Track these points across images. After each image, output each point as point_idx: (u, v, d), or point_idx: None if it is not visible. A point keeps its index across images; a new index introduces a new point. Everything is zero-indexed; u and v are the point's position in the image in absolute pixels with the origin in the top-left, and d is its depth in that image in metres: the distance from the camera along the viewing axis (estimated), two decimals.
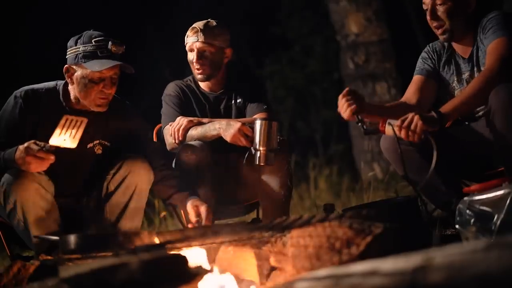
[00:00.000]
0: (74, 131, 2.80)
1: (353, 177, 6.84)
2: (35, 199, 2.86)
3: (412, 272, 1.31)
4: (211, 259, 2.34)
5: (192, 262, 1.91)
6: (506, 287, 1.19)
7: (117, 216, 3.04)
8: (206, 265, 2.24)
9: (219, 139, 3.26)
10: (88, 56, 3.00)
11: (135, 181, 3.04)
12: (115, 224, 3.04)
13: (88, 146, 3.11)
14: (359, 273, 1.42)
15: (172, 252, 2.12)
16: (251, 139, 3.15)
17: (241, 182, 3.40)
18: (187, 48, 3.47)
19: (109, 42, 3.01)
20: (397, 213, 2.72)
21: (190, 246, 2.25)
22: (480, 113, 3.01)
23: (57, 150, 2.76)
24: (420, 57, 3.19)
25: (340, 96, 2.84)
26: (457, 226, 2.38)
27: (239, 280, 2.27)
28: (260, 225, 2.32)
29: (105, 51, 3.00)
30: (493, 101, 2.75)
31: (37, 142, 2.76)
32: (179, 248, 2.22)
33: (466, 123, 3.08)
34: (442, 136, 2.75)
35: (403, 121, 2.70)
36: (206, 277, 1.92)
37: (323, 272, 1.55)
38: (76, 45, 3.03)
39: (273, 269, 2.24)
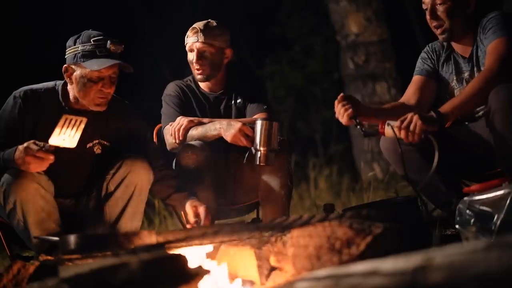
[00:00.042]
0: (73, 130, 2.80)
1: (353, 177, 6.84)
2: (35, 199, 2.86)
3: (412, 272, 1.31)
4: (211, 259, 2.34)
5: (192, 262, 1.91)
6: (506, 287, 1.19)
7: (117, 216, 3.04)
8: (206, 265, 2.24)
9: (219, 139, 3.26)
10: (87, 56, 3.00)
11: (135, 181, 3.04)
12: (115, 224, 3.04)
13: (88, 145, 3.11)
14: (359, 273, 1.42)
15: (172, 252, 2.12)
16: (251, 139, 3.15)
17: (241, 182, 3.40)
18: (187, 48, 3.46)
19: (108, 42, 3.01)
20: (397, 213, 2.72)
21: (190, 246, 2.25)
22: (480, 113, 3.01)
23: (57, 150, 2.76)
24: (419, 57, 3.19)
25: (336, 102, 2.85)
26: (457, 226, 2.38)
27: (239, 280, 2.27)
28: (260, 225, 2.32)
29: (104, 50, 3.00)
30: (493, 101, 2.75)
31: (37, 142, 2.76)
32: (179, 248, 2.22)
33: (466, 123, 3.07)
34: (442, 136, 2.74)
35: (402, 122, 2.70)
36: (206, 277, 1.92)
37: (323, 272, 1.55)
38: (75, 44, 3.03)
39: (273, 269, 2.24)
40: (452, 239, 2.73)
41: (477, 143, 2.98)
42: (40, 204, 2.88)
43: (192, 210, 3.12)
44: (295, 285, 1.60)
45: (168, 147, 3.40)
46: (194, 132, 3.30)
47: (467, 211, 2.33)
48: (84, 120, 2.83)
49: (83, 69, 3.00)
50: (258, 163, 3.12)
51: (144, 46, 9.80)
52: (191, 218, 3.11)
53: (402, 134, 2.70)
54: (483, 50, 2.94)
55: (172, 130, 3.32)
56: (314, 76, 10.30)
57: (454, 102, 2.80)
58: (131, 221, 3.06)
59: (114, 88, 3.06)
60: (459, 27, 2.99)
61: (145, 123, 3.35)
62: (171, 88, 3.52)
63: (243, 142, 3.18)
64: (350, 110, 2.81)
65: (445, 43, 3.11)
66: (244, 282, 2.27)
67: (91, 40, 3.00)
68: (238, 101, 3.49)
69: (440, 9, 2.97)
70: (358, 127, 2.81)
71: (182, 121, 3.32)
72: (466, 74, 3.05)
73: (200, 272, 1.84)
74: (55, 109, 3.03)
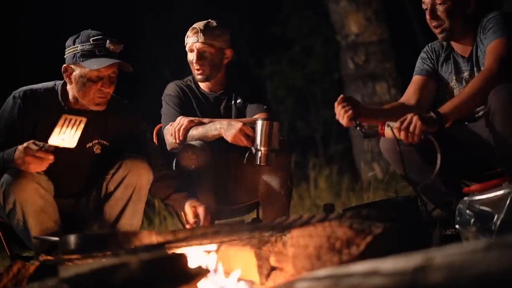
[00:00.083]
0: (73, 130, 2.80)
1: (353, 177, 6.84)
2: (35, 199, 2.86)
3: (412, 272, 1.31)
4: (211, 259, 2.34)
5: (192, 262, 1.91)
6: (506, 287, 1.19)
7: (117, 216, 3.04)
8: (206, 265, 2.24)
9: (219, 139, 3.26)
10: (86, 55, 3.00)
11: (135, 181, 3.04)
12: (114, 224, 3.03)
13: (87, 145, 3.11)
14: (359, 273, 1.42)
15: (172, 252, 2.12)
16: (252, 139, 3.15)
17: (241, 182, 3.40)
18: (187, 48, 3.46)
19: (107, 41, 3.01)
20: (397, 213, 2.72)
21: (190, 246, 2.25)
22: (480, 113, 3.01)
23: (56, 150, 2.76)
24: (419, 57, 3.19)
25: (336, 104, 2.85)
26: (457, 226, 2.38)
27: (239, 280, 2.27)
28: (260, 225, 2.32)
29: (103, 50, 3.00)
30: (492, 101, 2.75)
31: (36, 142, 2.76)
32: (179, 248, 2.21)
33: (466, 123, 3.07)
34: (442, 136, 2.74)
35: (402, 123, 2.70)
36: (206, 277, 1.92)
37: (323, 272, 1.55)
38: (74, 44, 3.03)
39: (273, 269, 2.24)
40: (452, 239, 2.73)
41: (477, 143, 2.98)
42: (40, 204, 2.88)
43: (191, 210, 3.12)
44: (295, 285, 1.59)
45: (168, 147, 3.39)
46: (195, 132, 3.29)
47: (467, 211, 2.33)
48: (84, 120, 2.83)
49: (82, 68, 3.00)
50: (258, 163, 3.12)
51: (144, 46, 9.81)
52: (191, 219, 3.11)
53: (402, 135, 2.70)
54: (482, 50, 2.94)
55: (173, 130, 3.32)
56: (314, 76, 10.30)
57: (454, 102, 2.80)
58: (130, 221, 3.06)
59: (113, 88, 3.06)
60: (459, 27, 2.99)
61: (144, 123, 3.35)
62: (171, 88, 3.51)
63: (244, 142, 3.18)
64: (350, 112, 2.81)
65: (444, 43, 3.11)
66: (244, 282, 2.27)
67: (90, 40, 3.01)
68: (238, 101, 3.48)
69: (440, 9, 2.97)
70: (358, 128, 2.82)
71: (182, 121, 3.32)
72: (465, 74, 3.05)
73: (200, 272, 1.84)
74: (55, 109, 3.03)
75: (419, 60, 3.18)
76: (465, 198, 2.37)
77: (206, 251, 2.32)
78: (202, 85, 3.52)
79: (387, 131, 2.75)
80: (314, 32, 10.23)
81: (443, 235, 3.04)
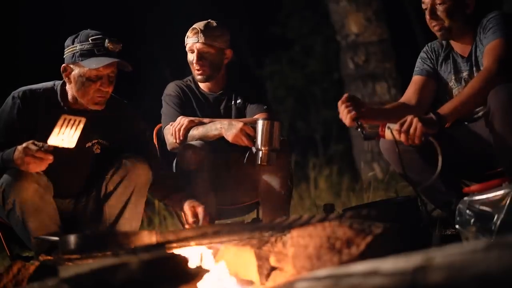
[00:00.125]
0: (72, 130, 2.80)
1: (353, 177, 6.84)
2: (34, 199, 2.86)
3: (412, 272, 1.31)
4: (211, 259, 2.34)
5: (192, 262, 1.91)
6: (506, 287, 1.19)
7: (116, 216, 3.04)
8: (206, 265, 2.24)
9: (220, 139, 3.26)
10: (85, 54, 2.99)
11: (134, 180, 3.04)
12: (114, 224, 3.03)
13: (87, 145, 3.11)
14: (359, 273, 1.42)
15: (172, 252, 2.12)
16: (252, 139, 3.15)
17: (241, 182, 3.40)
18: (187, 48, 3.46)
19: (106, 40, 3.01)
20: (397, 213, 2.72)
21: (190, 246, 2.24)
22: (480, 114, 3.01)
23: (56, 150, 2.76)
24: (419, 57, 3.19)
25: (340, 103, 2.85)
26: (457, 226, 2.38)
27: (239, 280, 2.27)
28: (260, 225, 2.32)
29: (102, 49, 3.00)
30: (492, 101, 2.75)
31: (36, 142, 2.76)
32: (179, 248, 2.21)
33: (466, 123, 3.07)
34: (442, 136, 2.74)
35: (402, 125, 2.70)
36: (206, 277, 1.92)
37: (323, 272, 1.55)
38: (73, 44, 3.03)
39: (273, 269, 2.23)
40: (452, 239, 2.73)
41: (477, 143, 2.98)
42: (39, 204, 2.87)
43: (191, 210, 3.11)
44: (295, 285, 1.59)
45: (169, 147, 3.39)
46: (195, 132, 3.29)
47: (467, 211, 2.32)
48: (83, 120, 2.83)
49: (81, 68, 3.00)
50: (259, 162, 3.12)
51: (144, 46, 9.81)
52: (190, 219, 3.11)
53: (403, 137, 2.70)
54: (482, 50, 2.94)
55: (173, 130, 3.32)
56: (314, 76, 10.31)
57: (453, 103, 2.80)
58: (130, 221, 3.06)
59: (112, 87, 3.06)
60: (459, 26, 2.99)
61: (144, 123, 3.34)
62: (171, 88, 3.51)
63: (245, 142, 3.18)
64: (353, 112, 2.81)
65: (444, 42, 3.11)
66: (244, 282, 2.27)
67: (89, 39, 3.00)
68: (238, 101, 3.48)
69: (439, 9, 2.97)
70: (359, 130, 2.82)
71: (182, 121, 3.32)
72: (464, 74, 3.05)
73: (200, 272, 1.84)
74: (54, 109, 3.03)
75: (419, 60, 3.18)
76: (465, 198, 2.37)
77: (206, 251, 2.32)
78: (202, 85, 3.52)
79: (388, 133, 2.75)
80: (314, 32, 10.24)
81: (443, 235, 3.04)
